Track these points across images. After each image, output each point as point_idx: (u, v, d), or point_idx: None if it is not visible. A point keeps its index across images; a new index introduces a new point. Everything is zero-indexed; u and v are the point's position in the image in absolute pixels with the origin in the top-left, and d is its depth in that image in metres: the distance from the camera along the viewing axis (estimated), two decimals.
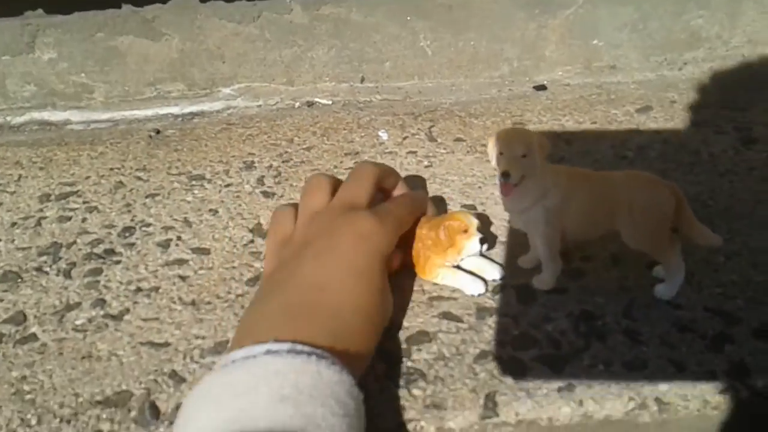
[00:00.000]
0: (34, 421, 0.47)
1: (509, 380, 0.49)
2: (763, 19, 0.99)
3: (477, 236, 0.57)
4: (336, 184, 0.57)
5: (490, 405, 0.47)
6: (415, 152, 0.82)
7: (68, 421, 0.47)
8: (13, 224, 0.72)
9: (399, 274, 0.60)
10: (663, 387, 0.47)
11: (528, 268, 0.60)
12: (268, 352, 0.38)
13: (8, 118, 1.00)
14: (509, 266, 0.60)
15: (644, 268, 0.58)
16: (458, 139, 0.84)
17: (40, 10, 0.97)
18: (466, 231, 0.57)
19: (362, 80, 1.00)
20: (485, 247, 0.58)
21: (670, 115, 0.86)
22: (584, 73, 1.00)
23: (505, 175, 0.50)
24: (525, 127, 0.54)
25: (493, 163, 0.53)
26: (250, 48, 0.99)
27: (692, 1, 0.98)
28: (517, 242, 0.63)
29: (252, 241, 0.67)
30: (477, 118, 0.90)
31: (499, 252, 0.63)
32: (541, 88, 0.98)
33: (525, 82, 1.00)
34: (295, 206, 0.56)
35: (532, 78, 1.00)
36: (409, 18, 0.96)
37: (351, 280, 0.47)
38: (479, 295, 0.58)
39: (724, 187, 0.69)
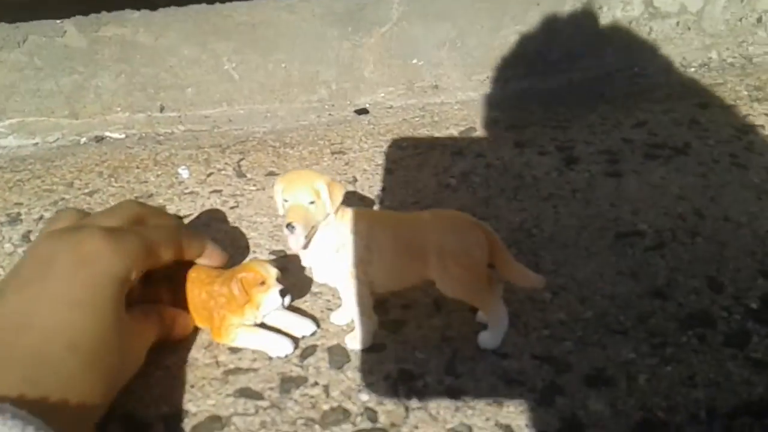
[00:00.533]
0: None
1: None
2: (580, 34, 1.00)
3: (276, 288, 0.48)
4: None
5: None
6: (220, 191, 0.72)
7: None
8: None
9: (186, 342, 0.50)
10: None
11: (341, 324, 0.52)
12: None
13: None
14: (322, 323, 0.52)
15: (469, 312, 0.52)
16: (270, 173, 0.75)
17: None
18: (263, 283, 0.48)
19: (162, 109, 0.88)
20: (287, 299, 0.49)
21: (494, 137, 0.83)
22: (407, 94, 0.95)
23: (289, 227, 0.41)
24: (312, 170, 0.46)
25: (281, 211, 0.44)
26: (19, 77, 0.83)
27: (508, 16, 0.96)
28: (331, 293, 0.55)
29: None
30: (293, 147, 0.81)
31: (310, 305, 0.54)
32: (363, 111, 0.91)
33: (346, 106, 0.93)
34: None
35: (353, 101, 0.93)
36: (207, 39, 0.86)
37: (65, 313, 0.37)
38: (286, 356, 0.49)
39: (548, 213, 0.66)
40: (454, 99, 0.94)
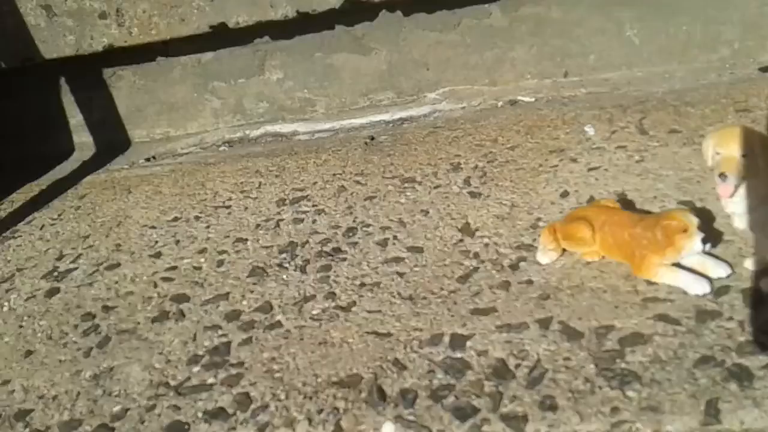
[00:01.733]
0: (282, 396, 0.55)
1: (733, 387, 0.47)
2: None
3: (698, 235, 0.54)
4: None
5: (712, 412, 0.45)
6: (624, 147, 0.80)
7: (310, 398, 0.54)
8: (257, 226, 0.83)
9: (608, 273, 0.60)
10: None
11: (755, 270, 0.56)
12: None
13: (246, 132, 1.15)
14: (734, 267, 0.57)
15: None
16: (673, 131, 0.80)
17: (266, 38, 1.09)
18: (685, 230, 0.55)
19: (566, 75, 0.99)
20: (707, 246, 0.55)
21: None
22: None
23: (722, 177, 0.48)
24: (745, 125, 0.51)
25: (710, 163, 0.51)
26: (452, 54, 1.03)
27: None
28: (743, 241, 0.59)
29: (461, 240, 0.70)
30: (693, 106, 0.84)
31: (722, 251, 0.59)
32: (767, 69, 0.89)
33: (749, 64, 0.92)
34: None
35: (757, 59, 0.91)
36: (612, 9, 0.93)
37: None
38: (704, 295, 0.55)
39: None
40: None
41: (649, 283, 0.58)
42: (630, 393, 0.48)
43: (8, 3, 1.02)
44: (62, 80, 1.16)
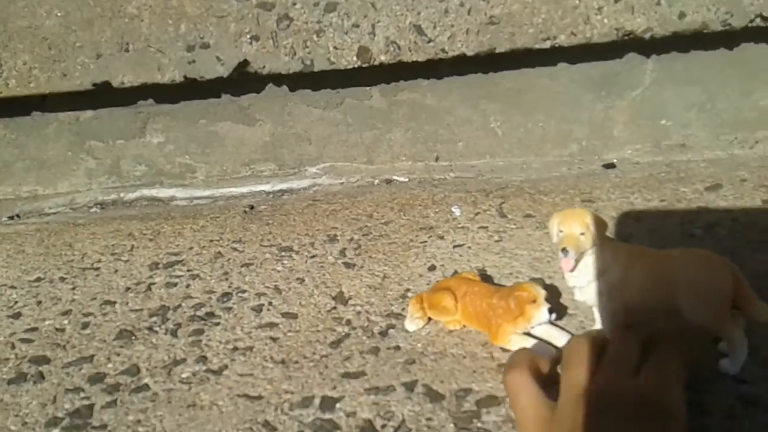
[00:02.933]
0: None
1: None
2: None
3: (545, 306, 0.61)
4: (598, 347, 0.51)
5: None
6: (486, 227, 0.87)
7: None
8: (127, 289, 0.81)
9: (468, 341, 0.65)
10: None
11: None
12: None
13: (122, 195, 1.13)
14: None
15: (710, 342, 0.60)
16: (528, 215, 0.89)
17: (150, 100, 1.10)
18: (534, 301, 0.62)
19: (437, 159, 1.07)
20: (553, 316, 0.62)
21: (741, 194, 0.88)
22: (653, 152, 1.04)
23: (564, 251, 0.55)
24: (583, 208, 0.59)
25: (555, 240, 0.58)
26: (334, 131, 1.08)
27: (759, 81, 1.00)
28: (585, 314, 0.66)
29: (335, 308, 0.73)
30: (546, 195, 0.94)
31: (566, 322, 0.66)
32: (610, 166, 1.02)
33: (594, 161, 1.04)
34: (591, 341, 0.51)
35: (600, 156, 1.04)
36: (480, 101, 1.04)
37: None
38: None
39: None
40: (701, 157, 1.01)
41: (504, 350, 0.64)
42: None
43: None
44: None
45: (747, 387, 0.55)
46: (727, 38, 0.98)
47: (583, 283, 0.58)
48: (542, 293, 0.62)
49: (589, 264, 0.57)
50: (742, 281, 0.53)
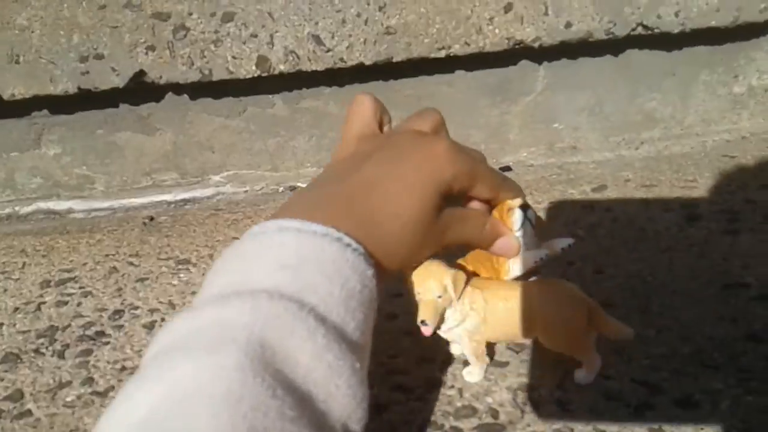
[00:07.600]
0: None
1: None
2: (714, 100, 1.08)
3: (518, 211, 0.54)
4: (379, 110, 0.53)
5: None
6: None
7: None
8: (16, 309, 0.79)
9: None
10: None
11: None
12: (280, 228, 0.39)
13: (16, 209, 1.09)
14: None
15: None
16: None
17: (45, 111, 1.07)
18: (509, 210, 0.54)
19: None
20: (529, 212, 0.55)
21: (623, 194, 0.93)
22: (547, 154, 1.08)
23: (422, 323, 0.56)
24: (441, 265, 0.59)
25: (417, 297, 0.58)
26: (237, 139, 1.08)
27: (644, 85, 1.06)
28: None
29: None
30: None
31: None
32: (507, 169, 1.06)
33: (493, 164, 1.07)
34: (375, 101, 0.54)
35: (498, 160, 1.08)
36: None
37: (400, 189, 0.44)
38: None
39: (663, 264, 0.75)
40: (590, 159, 1.06)
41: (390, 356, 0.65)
42: None
43: None
44: None
45: (611, 383, 0.59)
46: (613, 46, 1.03)
47: (444, 332, 0.59)
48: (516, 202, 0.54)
49: (449, 318, 0.58)
50: (595, 309, 0.56)
